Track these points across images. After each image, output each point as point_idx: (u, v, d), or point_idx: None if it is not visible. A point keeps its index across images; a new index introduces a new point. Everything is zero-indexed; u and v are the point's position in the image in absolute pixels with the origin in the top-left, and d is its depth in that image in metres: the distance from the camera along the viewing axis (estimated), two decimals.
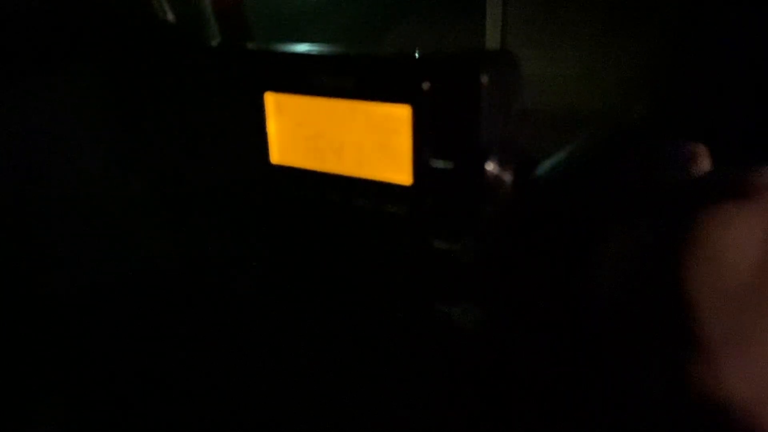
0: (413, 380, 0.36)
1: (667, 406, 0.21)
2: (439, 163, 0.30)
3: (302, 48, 0.33)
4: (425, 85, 0.28)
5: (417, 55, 0.30)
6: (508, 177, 0.30)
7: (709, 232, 0.19)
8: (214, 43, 0.41)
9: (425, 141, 0.30)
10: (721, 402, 0.19)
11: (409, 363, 0.36)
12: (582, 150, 0.31)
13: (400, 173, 0.31)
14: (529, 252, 0.30)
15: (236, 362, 0.41)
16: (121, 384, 0.43)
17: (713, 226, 0.19)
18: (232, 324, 0.40)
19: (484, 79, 0.27)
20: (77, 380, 0.42)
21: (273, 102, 0.33)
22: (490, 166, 0.29)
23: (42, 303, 0.40)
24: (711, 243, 0.19)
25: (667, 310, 0.21)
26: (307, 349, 0.38)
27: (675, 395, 0.21)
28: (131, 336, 0.41)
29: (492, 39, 1.26)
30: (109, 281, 0.40)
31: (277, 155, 0.34)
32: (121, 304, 0.40)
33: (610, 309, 0.23)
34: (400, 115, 0.30)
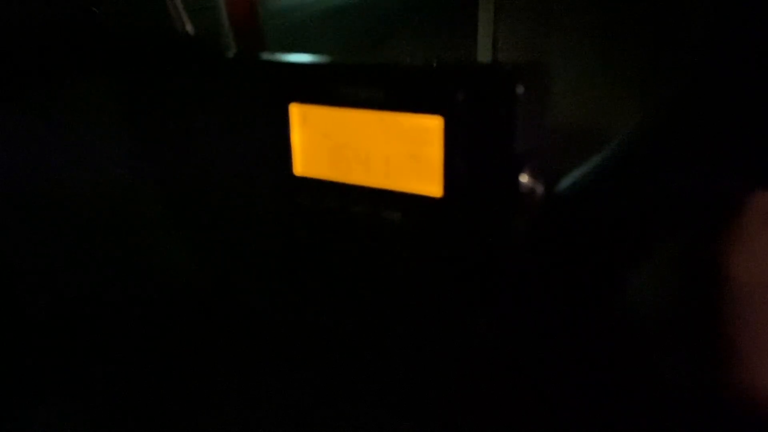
0: (435, 387, 0.36)
1: (695, 405, 0.22)
2: (470, 175, 0.29)
3: (327, 59, 0.33)
4: (459, 95, 0.28)
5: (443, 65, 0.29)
6: (540, 189, 0.30)
7: (743, 245, 0.20)
8: (230, 54, 0.40)
9: (457, 152, 0.29)
10: (749, 400, 0.20)
11: (429, 372, 0.35)
12: (603, 164, 0.31)
13: (431, 185, 0.30)
14: (559, 263, 0.30)
15: (249, 373, 0.40)
16: (132, 393, 0.42)
17: (747, 240, 0.21)
18: (248, 335, 0.40)
19: (520, 89, 0.27)
20: (86, 386, 0.41)
21: (298, 113, 0.33)
22: (524, 178, 0.28)
23: (54, 311, 0.39)
24: (745, 254, 0.21)
25: (706, 314, 0.21)
26: (327, 360, 0.38)
27: (705, 395, 0.21)
28: (142, 346, 0.40)
29: (483, 54, 1.27)
30: (126, 291, 0.39)
31: (300, 167, 0.34)
32: (134, 314, 0.39)
33: (650, 313, 0.24)
34: (432, 126, 0.29)
